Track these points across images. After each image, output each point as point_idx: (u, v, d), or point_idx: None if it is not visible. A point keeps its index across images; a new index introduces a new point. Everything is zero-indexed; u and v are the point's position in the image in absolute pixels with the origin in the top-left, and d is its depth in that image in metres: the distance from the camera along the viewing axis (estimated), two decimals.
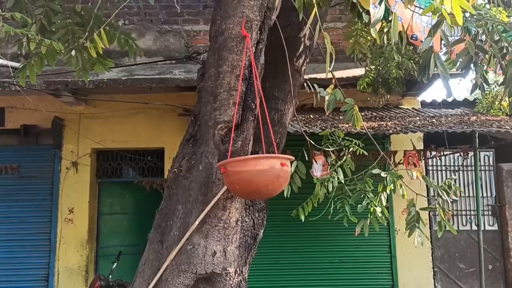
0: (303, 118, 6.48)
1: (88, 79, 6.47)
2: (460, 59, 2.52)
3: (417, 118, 6.57)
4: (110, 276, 6.05)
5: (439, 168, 7.80)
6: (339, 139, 3.23)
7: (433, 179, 7.66)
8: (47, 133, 7.39)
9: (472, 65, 2.68)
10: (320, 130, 4.94)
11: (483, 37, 2.82)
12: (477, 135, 6.10)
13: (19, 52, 2.67)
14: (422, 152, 6.42)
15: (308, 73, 6.37)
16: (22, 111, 7.36)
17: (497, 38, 2.78)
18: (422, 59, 2.37)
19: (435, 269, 7.36)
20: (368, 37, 3.32)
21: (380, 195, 2.90)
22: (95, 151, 7.54)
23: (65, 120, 7.42)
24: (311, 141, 2.98)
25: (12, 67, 6.47)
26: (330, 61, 2.15)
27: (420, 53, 2.47)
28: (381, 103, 6.44)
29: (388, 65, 4.93)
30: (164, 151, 7.33)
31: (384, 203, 2.91)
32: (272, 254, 7.12)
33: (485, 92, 7.71)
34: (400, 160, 6.35)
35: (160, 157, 7.58)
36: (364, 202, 2.91)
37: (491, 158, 7.80)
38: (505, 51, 2.75)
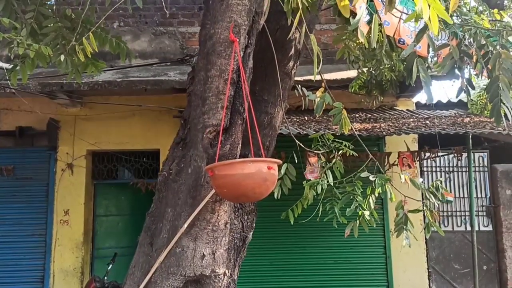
0: (297, 120, 6.51)
1: (83, 81, 6.51)
2: (445, 64, 2.55)
3: (411, 119, 6.60)
4: (106, 278, 6.07)
5: (433, 169, 7.84)
6: (329, 142, 3.25)
7: (428, 180, 7.70)
8: (42, 135, 7.41)
9: (456, 70, 2.71)
10: (313, 132, 4.96)
11: (471, 41, 2.85)
12: (470, 137, 6.14)
13: (9, 55, 2.67)
14: (416, 153, 6.44)
15: (302, 75, 6.39)
16: (18, 113, 7.38)
17: (483, 43, 2.81)
18: (406, 63, 2.40)
19: (430, 270, 7.39)
20: (357, 41, 3.34)
21: (369, 198, 2.92)
22: (90, 153, 7.56)
23: (61, 122, 7.44)
24: (300, 143, 2.99)
25: (7, 69, 6.50)
26: (318, 62, 2.16)
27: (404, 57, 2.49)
28: (375, 104, 6.46)
29: (381, 67, 4.94)
30: (160, 153, 7.34)
31: (372, 206, 2.93)
32: (266, 256, 7.14)
33: (472, 97, 7.77)
34: (395, 161, 6.39)
35: (155, 158, 7.60)
36: (352, 205, 2.93)
37: (485, 159, 7.83)
38: (490, 55, 2.78)
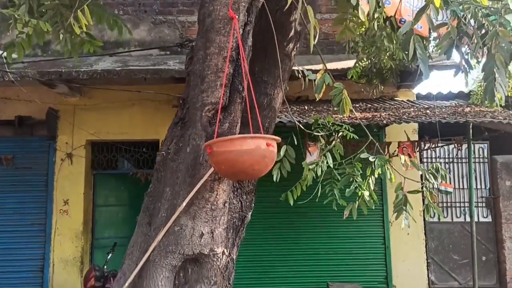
0: (298, 109, 6.49)
1: (82, 70, 6.49)
2: (444, 42, 2.53)
3: (411, 109, 6.58)
4: (105, 267, 6.07)
5: (433, 160, 7.82)
6: (329, 124, 3.24)
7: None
8: (41, 124, 7.39)
9: (454, 49, 2.69)
10: (313, 121, 4.94)
11: (472, 22, 2.83)
12: (471, 127, 6.12)
13: (8, 34, 2.65)
14: (416, 143, 6.43)
15: (303, 64, 6.38)
16: (17, 102, 7.36)
17: (483, 22, 2.79)
18: (402, 41, 2.39)
19: (428, 260, 7.40)
20: (358, 21, 3.32)
21: (368, 179, 2.91)
22: (90, 143, 7.54)
23: (60, 112, 7.42)
24: (300, 125, 2.98)
25: (5, 57, 6.47)
26: (314, 36, 2.13)
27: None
28: (375, 94, 6.44)
29: (381, 55, 4.91)
30: (159, 143, 7.31)
31: (372, 187, 2.92)
32: (266, 245, 7.15)
33: (472, 87, 7.74)
34: (395, 151, 6.38)
35: (155, 149, 7.58)
36: (352, 186, 2.92)
37: (485, 150, 7.83)
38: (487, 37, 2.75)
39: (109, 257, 6.22)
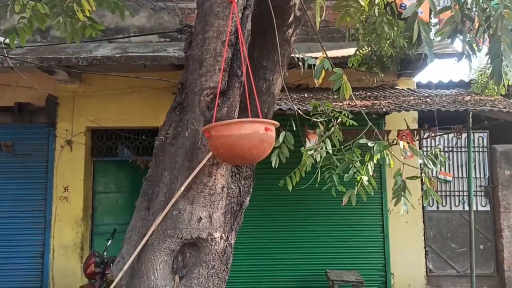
0: (297, 97, 6.48)
1: (82, 56, 6.45)
2: (447, 27, 2.52)
3: (411, 97, 6.56)
4: (105, 253, 6.10)
5: (433, 149, 7.81)
6: (328, 111, 3.23)
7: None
8: (41, 111, 7.38)
9: (458, 34, 2.67)
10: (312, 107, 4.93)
11: (473, 6, 2.81)
12: (470, 115, 6.10)
13: (7, 16, 2.62)
14: (415, 131, 6.42)
15: (303, 52, 6.36)
16: (16, 88, 7.34)
17: (485, 7, 2.77)
18: (406, 25, 2.37)
19: (427, 249, 7.43)
20: (358, 7, 3.29)
21: (367, 165, 2.91)
22: (89, 130, 7.55)
23: (59, 98, 7.41)
24: (299, 110, 2.98)
25: (5, 44, 6.44)
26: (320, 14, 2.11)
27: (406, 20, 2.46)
28: (375, 82, 6.42)
29: (381, 42, 4.88)
30: (159, 130, 7.30)
31: (371, 172, 2.92)
32: (264, 233, 7.18)
33: (473, 75, 7.70)
34: (394, 139, 6.37)
35: (154, 136, 7.48)
36: (350, 171, 2.91)
37: (485, 140, 7.82)
38: (491, 19, 2.74)
39: (109, 243, 6.25)
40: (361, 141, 2.85)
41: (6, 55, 5.88)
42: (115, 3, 2.88)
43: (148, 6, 7.45)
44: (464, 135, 7.12)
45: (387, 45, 5.13)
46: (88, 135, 7.55)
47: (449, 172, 7.63)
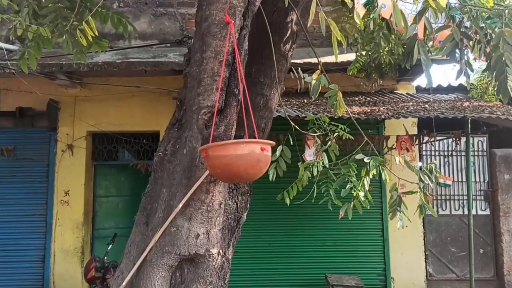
0: (296, 102, 6.50)
1: (82, 62, 6.48)
2: (446, 46, 2.55)
3: (410, 103, 6.59)
4: (106, 258, 6.16)
5: (432, 153, 7.85)
6: (324, 124, 3.26)
7: (427, 164, 7.72)
8: (42, 115, 7.43)
9: (457, 51, 2.71)
10: (311, 114, 4.95)
11: (468, 24, 2.85)
12: (469, 121, 6.13)
13: (9, 35, 2.67)
14: (414, 137, 6.44)
15: (302, 58, 6.38)
16: (18, 93, 7.38)
17: (482, 25, 2.80)
18: (406, 45, 2.41)
19: (427, 253, 7.47)
20: (353, 23, 3.32)
21: (363, 180, 2.94)
22: (90, 134, 7.59)
23: (61, 103, 7.46)
24: (296, 126, 3.01)
25: (7, 49, 6.47)
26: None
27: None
28: (374, 88, 6.45)
29: (380, 51, 4.91)
30: (159, 134, 7.36)
31: (367, 187, 2.95)
32: (264, 237, 7.22)
33: (472, 81, 7.73)
34: (393, 145, 6.41)
35: (155, 140, 7.63)
36: (347, 186, 2.95)
37: (484, 144, 7.85)
38: (489, 37, 2.78)
39: (109, 248, 6.30)
40: (357, 156, 2.89)
41: (7, 61, 5.93)
42: (119, 19, 2.91)
43: (149, 12, 7.49)
44: (463, 140, 7.14)
45: (385, 53, 5.16)
46: (89, 139, 7.60)
47: (449, 176, 7.66)
